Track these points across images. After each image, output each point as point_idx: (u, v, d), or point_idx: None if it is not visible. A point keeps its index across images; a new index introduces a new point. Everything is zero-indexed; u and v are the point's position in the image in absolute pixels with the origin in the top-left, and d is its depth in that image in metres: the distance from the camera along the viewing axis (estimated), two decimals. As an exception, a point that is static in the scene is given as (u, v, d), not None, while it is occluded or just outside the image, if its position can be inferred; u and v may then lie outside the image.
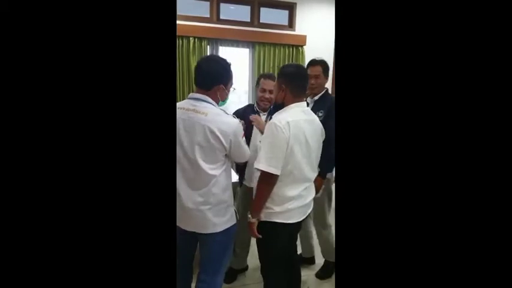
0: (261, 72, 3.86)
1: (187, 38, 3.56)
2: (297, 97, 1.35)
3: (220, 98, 1.30)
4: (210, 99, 1.26)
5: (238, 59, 3.93)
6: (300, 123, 1.28)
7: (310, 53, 3.96)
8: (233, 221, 1.36)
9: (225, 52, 3.83)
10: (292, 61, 3.96)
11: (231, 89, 1.39)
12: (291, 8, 3.99)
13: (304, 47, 3.96)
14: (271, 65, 3.92)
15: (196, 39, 3.58)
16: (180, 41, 3.55)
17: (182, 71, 3.59)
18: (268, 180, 1.25)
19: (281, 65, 3.89)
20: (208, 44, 3.69)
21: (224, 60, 1.31)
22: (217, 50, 3.76)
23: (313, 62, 1.86)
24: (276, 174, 1.23)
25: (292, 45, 3.93)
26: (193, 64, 3.54)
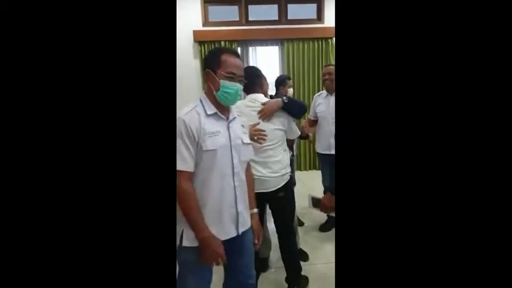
0: (291, 68, 3.95)
1: (219, 42, 3.80)
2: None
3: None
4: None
5: (268, 57, 4.07)
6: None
7: (339, 45, 3.92)
8: None
9: (255, 52, 3.99)
10: (321, 54, 3.96)
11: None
12: (319, 1, 3.97)
13: (333, 38, 3.92)
14: (301, 60, 3.97)
15: (227, 43, 3.80)
16: (213, 46, 3.80)
17: (216, 74, 3.85)
18: None
19: (310, 60, 3.94)
20: (239, 46, 3.88)
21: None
22: (247, 51, 3.94)
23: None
24: None
25: (321, 38, 3.92)
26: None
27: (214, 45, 3.79)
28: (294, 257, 1.85)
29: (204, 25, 3.85)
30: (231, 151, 1.10)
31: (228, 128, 1.11)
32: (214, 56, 1.10)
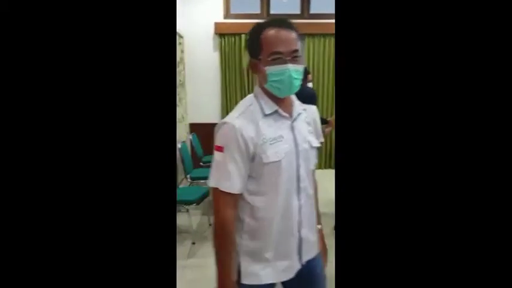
0: (311, 64, 3.89)
1: (239, 35, 3.76)
2: None
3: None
4: None
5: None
6: None
7: (362, 41, 3.83)
8: None
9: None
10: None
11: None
12: (342, -5, 3.87)
13: (356, 35, 3.84)
14: (321, 56, 3.91)
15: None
16: (233, 39, 3.77)
17: (235, 67, 3.83)
18: None
19: (331, 56, 3.86)
20: (259, 40, 3.83)
21: None
22: (267, 45, 3.89)
23: None
24: None
25: (344, 35, 3.84)
26: (245, 61, 3.75)
27: (235, 38, 3.76)
28: None
29: (225, 17, 3.81)
30: (297, 160, 0.84)
31: (292, 129, 0.85)
32: (254, 38, 0.82)
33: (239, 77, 3.84)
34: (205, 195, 2.53)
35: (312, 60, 3.91)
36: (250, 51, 0.85)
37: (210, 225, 2.77)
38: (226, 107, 3.88)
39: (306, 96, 1.62)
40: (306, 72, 2.50)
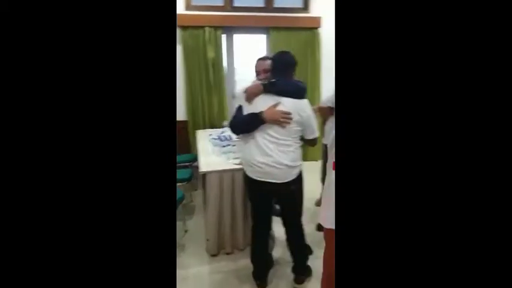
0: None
1: (203, 28, 3.59)
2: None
3: None
4: None
5: (255, 46, 3.94)
6: None
7: (325, 35, 3.89)
8: None
9: (240, 40, 3.84)
10: (307, 44, 3.91)
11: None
12: (306, -10, 3.91)
13: (319, 29, 3.89)
14: (287, 49, 3.88)
15: (211, 29, 3.60)
16: (196, 32, 3.59)
17: (199, 61, 3.65)
18: None
19: (296, 49, 3.89)
20: (224, 33, 3.70)
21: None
22: (232, 38, 3.78)
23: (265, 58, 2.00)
24: None
25: (308, 28, 3.86)
26: (210, 54, 3.59)
27: (198, 31, 3.58)
28: (302, 249, 1.85)
29: (186, 9, 3.61)
30: None
31: None
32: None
33: (204, 67, 3.66)
34: (181, 199, 2.29)
35: (278, 53, 3.87)
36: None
37: (186, 231, 2.51)
38: (192, 103, 3.67)
39: (298, 90, 1.64)
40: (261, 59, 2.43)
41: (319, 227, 2.41)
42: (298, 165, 1.66)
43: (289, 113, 1.54)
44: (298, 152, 1.66)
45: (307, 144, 1.73)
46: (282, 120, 1.53)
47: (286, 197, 1.69)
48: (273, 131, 1.57)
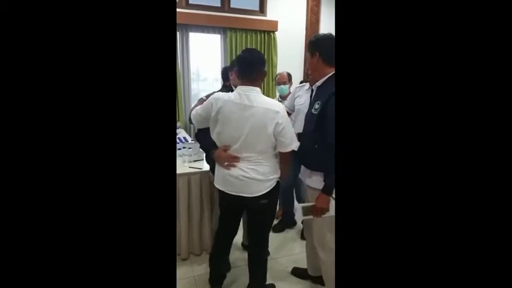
0: (235, 57, 3.83)
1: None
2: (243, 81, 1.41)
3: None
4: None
5: (210, 46, 3.87)
6: (228, 103, 1.39)
7: (282, 39, 3.97)
8: None
9: (196, 38, 3.75)
10: (264, 47, 3.95)
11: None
12: (262, -7, 3.94)
13: (276, 32, 3.95)
14: (244, 51, 3.88)
15: (165, 25, 3.45)
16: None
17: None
18: None
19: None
20: (178, 30, 3.58)
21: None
22: (187, 37, 3.66)
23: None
24: None
25: (264, 31, 3.90)
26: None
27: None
28: (261, 270, 1.68)
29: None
30: None
31: None
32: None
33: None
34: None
35: (235, 54, 3.85)
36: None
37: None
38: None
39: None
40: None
41: (275, 228, 2.44)
42: (271, 179, 1.46)
43: (236, 157, 1.42)
44: (272, 164, 1.46)
45: (281, 158, 1.49)
46: (227, 165, 1.44)
47: (255, 211, 1.54)
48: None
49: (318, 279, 1.83)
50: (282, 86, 2.50)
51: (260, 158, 1.42)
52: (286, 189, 2.39)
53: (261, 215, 1.55)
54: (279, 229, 2.49)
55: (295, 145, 1.42)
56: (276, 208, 1.62)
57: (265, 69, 1.41)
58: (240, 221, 1.73)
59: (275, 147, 1.44)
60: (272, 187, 1.47)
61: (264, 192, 1.45)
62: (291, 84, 2.56)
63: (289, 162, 1.52)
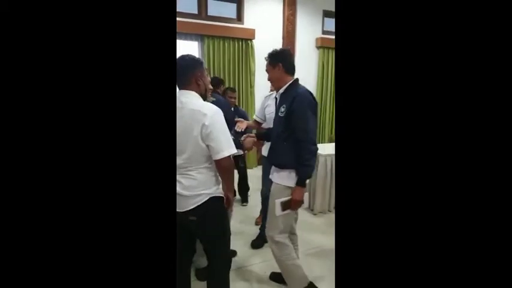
0: (211, 66, 3.82)
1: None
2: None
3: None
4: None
5: (187, 53, 3.83)
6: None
7: (259, 47, 4.01)
8: None
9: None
10: (242, 55, 3.97)
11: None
12: (239, 2, 3.98)
13: (253, 40, 3.99)
14: (221, 58, 3.89)
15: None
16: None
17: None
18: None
19: (231, 59, 3.93)
20: (154, 37, 3.52)
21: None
22: (164, 43, 3.61)
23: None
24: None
25: (241, 39, 3.93)
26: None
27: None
28: None
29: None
30: None
31: None
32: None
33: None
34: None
35: (212, 62, 3.84)
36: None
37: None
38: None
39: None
40: (220, 82, 2.48)
41: (254, 244, 2.30)
42: (198, 194, 1.28)
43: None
44: (203, 177, 1.30)
45: (218, 171, 1.33)
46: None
47: (189, 228, 1.37)
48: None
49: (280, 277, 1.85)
50: None
51: (190, 167, 1.27)
52: (266, 197, 2.36)
53: (196, 231, 1.37)
54: (257, 245, 2.34)
55: (228, 152, 1.24)
56: (219, 231, 1.39)
57: (199, 70, 1.32)
58: (192, 241, 1.53)
59: (208, 157, 1.28)
60: (201, 203, 1.29)
61: (190, 208, 1.29)
62: None
63: (228, 175, 1.34)
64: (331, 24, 4.55)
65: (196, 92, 1.32)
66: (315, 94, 4.31)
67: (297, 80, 1.62)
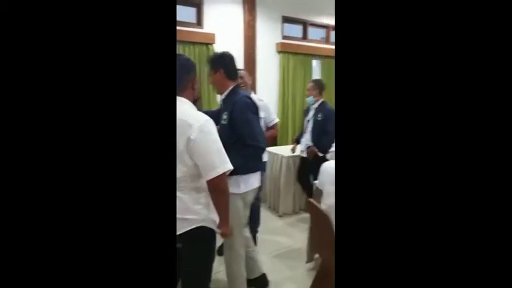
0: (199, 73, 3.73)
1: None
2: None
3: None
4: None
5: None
6: None
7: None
8: None
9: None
10: (201, 59, 3.93)
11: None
12: (199, 6, 3.95)
13: (213, 45, 3.97)
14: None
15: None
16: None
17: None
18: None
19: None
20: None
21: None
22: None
23: None
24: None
25: (202, 43, 3.90)
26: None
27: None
28: None
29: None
30: None
31: None
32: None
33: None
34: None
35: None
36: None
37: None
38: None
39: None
40: None
41: (220, 251, 2.14)
42: (185, 219, 1.09)
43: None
44: (190, 200, 1.10)
45: (211, 196, 1.15)
46: None
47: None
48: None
49: (253, 282, 1.88)
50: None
51: (177, 187, 1.07)
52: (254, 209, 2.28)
53: (183, 259, 1.14)
54: (222, 252, 2.29)
55: (222, 169, 1.06)
56: (203, 264, 1.19)
57: (194, 73, 1.21)
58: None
59: (197, 176, 1.10)
60: (188, 229, 1.09)
61: (179, 233, 1.09)
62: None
63: (221, 199, 1.14)
64: (290, 29, 4.67)
65: (189, 98, 1.17)
66: (275, 98, 4.45)
67: (237, 86, 1.59)
